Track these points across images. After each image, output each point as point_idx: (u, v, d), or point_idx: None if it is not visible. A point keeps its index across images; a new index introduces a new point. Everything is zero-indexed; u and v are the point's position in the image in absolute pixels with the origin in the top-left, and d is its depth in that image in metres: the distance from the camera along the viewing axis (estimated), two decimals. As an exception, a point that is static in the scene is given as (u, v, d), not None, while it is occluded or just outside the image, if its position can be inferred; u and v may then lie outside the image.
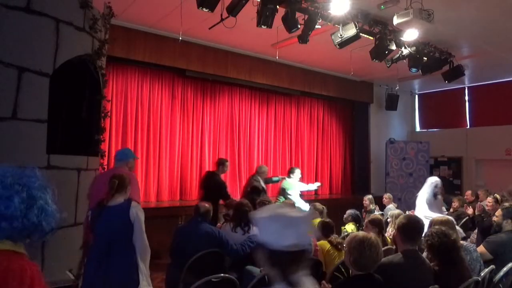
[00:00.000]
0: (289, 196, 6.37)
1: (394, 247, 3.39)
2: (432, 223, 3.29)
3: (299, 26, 4.89)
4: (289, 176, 6.63)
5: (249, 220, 3.77)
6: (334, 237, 3.78)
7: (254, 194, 6.16)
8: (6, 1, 2.79)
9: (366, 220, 4.14)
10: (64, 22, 3.15)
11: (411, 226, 2.70)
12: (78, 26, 3.31)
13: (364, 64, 6.98)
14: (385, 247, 3.50)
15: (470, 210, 5.56)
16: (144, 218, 2.99)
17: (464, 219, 5.53)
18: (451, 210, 6.12)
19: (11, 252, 1.27)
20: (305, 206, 6.20)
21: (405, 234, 2.70)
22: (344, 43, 5.30)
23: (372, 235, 2.42)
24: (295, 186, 6.50)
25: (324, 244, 3.73)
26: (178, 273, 3.29)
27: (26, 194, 1.26)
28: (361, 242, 2.32)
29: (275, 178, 6.89)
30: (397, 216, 4.07)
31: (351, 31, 5.10)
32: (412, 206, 7.57)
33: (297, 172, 6.63)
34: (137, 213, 2.89)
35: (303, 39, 5.20)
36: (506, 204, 4.00)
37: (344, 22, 5.11)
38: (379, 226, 3.82)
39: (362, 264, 2.30)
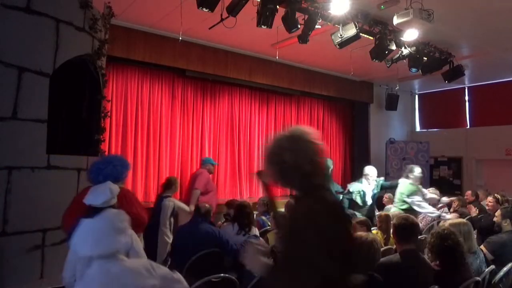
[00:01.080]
0: (407, 201, 5.25)
1: (394, 247, 3.39)
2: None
3: (299, 26, 4.89)
4: (407, 177, 5.47)
5: (250, 222, 3.79)
6: None
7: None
8: (6, 1, 2.79)
9: (354, 222, 4.16)
10: (64, 22, 3.15)
11: (404, 226, 2.72)
12: (78, 26, 3.30)
13: (364, 64, 6.98)
14: (385, 247, 3.51)
15: (473, 210, 5.56)
16: (172, 208, 4.61)
17: (466, 218, 5.52)
18: (451, 210, 6.12)
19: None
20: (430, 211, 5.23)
21: (399, 235, 2.73)
22: (344, 43, 5.30)
23: (369, 235, 2.42)
24: (412, 190, 5.29)
25: None
26: (178, 273, 3.29)
27: (114, 164, 2.67)
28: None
29: (394, 182, 5.69)
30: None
31: (351, 31, 5.10)
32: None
33: (417, 171, 5.42)
34: (165, 203, 4.58)
35: (303, 39, 5.20)
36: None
37: (344, 22, 5.11)
38: (367, 225, 3.89)
39: None
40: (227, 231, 3.81)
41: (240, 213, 3.86)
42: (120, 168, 2.73)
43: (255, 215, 5.07)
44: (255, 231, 3.90)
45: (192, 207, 5.14)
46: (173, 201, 4.73)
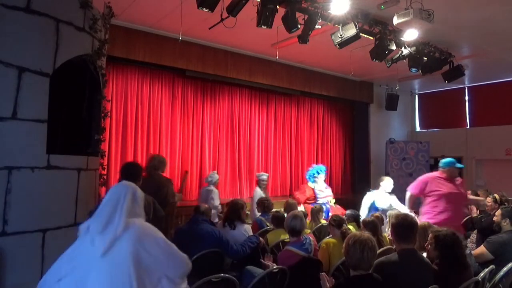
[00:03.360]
0: None
1: (394, 247, 3.39)
2: None
3: (299, 26, 4.89)
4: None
5: (236, 218, 3.96)
6: (345, 227, 3.78)
7: None
8: (6, 1, 2.79)
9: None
10: (64, 22, 3.15)
11: (401, 225, 2.69)
12: (78, 26, 3.30)
13: (364, 64, 6.98)
14: (384, 247, 3.51)
15: (474, 210, 5.56)
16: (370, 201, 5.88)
17: (464, 219, 5.53)
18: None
19: None
20: None
21: (397, 233, 2.71)
22: (344, 43, 5.30)
23: (365, 233, 2.41)
24: None
25: (330, 241, 3.72)
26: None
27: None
28: (348, 239, 2.34)
29: None
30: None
31: (351, 31, 5.10)
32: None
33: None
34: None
35: (303, 39, 5.20)
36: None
37: (344, 22, 5.11)
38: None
39: (350, 263, 2.30)
40: (226, 230, 3.89)
41: (229, 210, 4.08)
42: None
43: (255, 215, 5.10)
44: (248, 228, 4.06)
45: (405, 208, 4.97)
46: (373, 195, 5.67)
